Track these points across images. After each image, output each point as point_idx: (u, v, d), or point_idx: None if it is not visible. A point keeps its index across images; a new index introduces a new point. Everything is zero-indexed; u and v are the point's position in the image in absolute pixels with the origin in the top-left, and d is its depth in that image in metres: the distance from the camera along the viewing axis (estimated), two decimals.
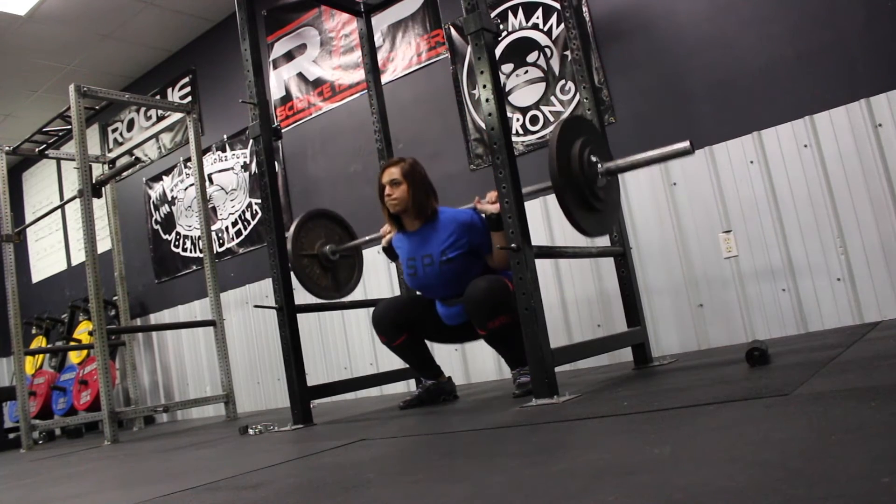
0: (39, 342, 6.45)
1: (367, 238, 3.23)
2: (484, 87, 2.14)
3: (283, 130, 4.48)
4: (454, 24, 3.93)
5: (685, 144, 2.15)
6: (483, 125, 3.56)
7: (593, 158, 2.24)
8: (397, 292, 3.69)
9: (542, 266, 3.39)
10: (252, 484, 1.43)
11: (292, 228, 3.13)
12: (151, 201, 5.86)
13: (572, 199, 2.16)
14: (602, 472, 0.99)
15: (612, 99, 3.37)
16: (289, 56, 4.81)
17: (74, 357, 5.90)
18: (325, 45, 4.61)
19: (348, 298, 4.30)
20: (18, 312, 4.79)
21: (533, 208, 3.52)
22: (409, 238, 2.67)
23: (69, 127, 4.76)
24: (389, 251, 2.83)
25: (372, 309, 4.14)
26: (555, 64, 3.58)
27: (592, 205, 2.25)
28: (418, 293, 2.81)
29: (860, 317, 2.75)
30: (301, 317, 3.09)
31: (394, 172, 2.60)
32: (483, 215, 2.50)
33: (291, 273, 2.94)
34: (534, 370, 2.03)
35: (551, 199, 3.53)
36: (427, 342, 2.83)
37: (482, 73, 2.14)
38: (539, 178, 3.52)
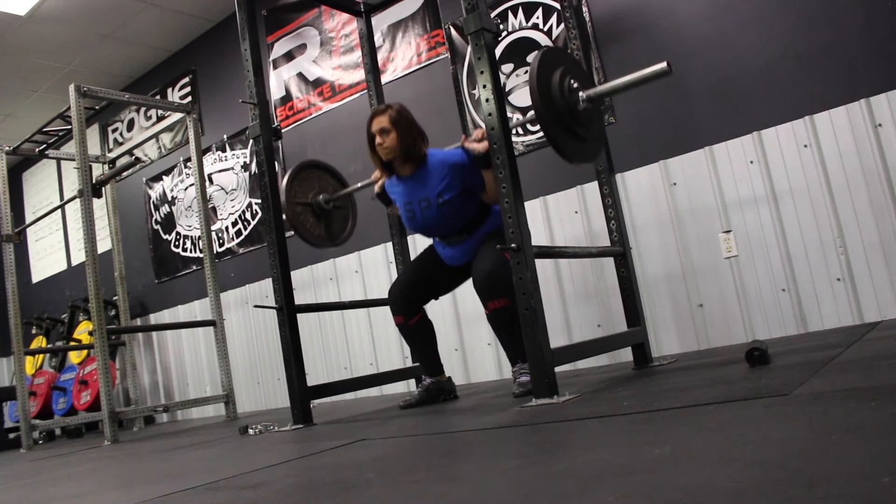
0: (39, 342, 6.45)
1: (358, 185, 3.22)
2: (484, 87, 2.14)
3: (283, 130, 4.49)
4: (454, 24, 3.93)
5: (662, 65, 2.15)
6: (483, 125, 3.55)
7: (574, 84, 2.25)
8: None
9: (542, 266, 3.39)
10: (252, 484, 1.43)
11: (286, 177, 3.17)
12: (151, 201, 5.86)
13: (554, 125, 2.18)
14: (602, 472, 0.99)
15: (612, 99, 3.37)
16: (289, 56, 4.81)
17: (74, 357, 5.90)
18: (325, 45, 4.61)
19: (348, 298, 4.32)
20: (18, 312, 4.79)
21: (533, 208, 3.52)
22: (403, 183, 2.71)
23: (69, 127, 4.76)
24: (383, 196, 2.88)
25: (372, 309, 4.17)
26: None
27: (575, 131, 2.27)
28: (423, 252, 2.85)
29: (860, 317, 2.75)
30: (301, 317, 3.09)
31: (382, 121, 2.64)
32: (471, 154, 2.56)
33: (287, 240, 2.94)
34: (534, 370, 2.03)
35: (551, 198, 3.54)
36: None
37: (482, 73, 2.14)
38: (539, 178, 3.54)
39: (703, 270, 3.11)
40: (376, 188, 2.87)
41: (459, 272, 2.82)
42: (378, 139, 2.65)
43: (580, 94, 2.24)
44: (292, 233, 4.60)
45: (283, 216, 2.98)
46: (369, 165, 4.26)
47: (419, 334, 2.79)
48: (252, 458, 1.96)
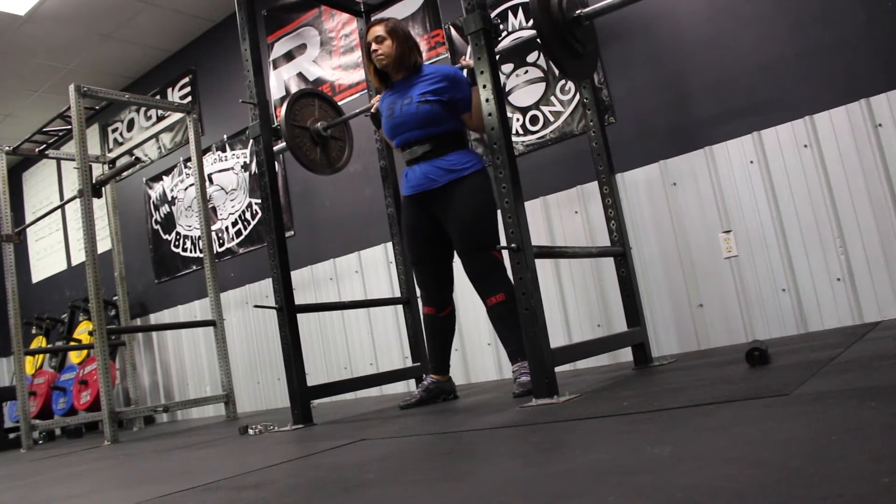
0: (39, 342, 6.45)
1: (356, 111, 3.31)
2: (484, 87, 2.14)
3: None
4: (454, 24, 3.93)
5: None
6: None
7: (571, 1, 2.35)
8: (397, 293, 3.69)
9: (542, 266, 3.39)
10: (252, 484, 1.43)
11: (287, 100, 3.23)
12: (151, 201, 5.86)
13: (555, 42, 2.26)
14: (602, 472, 0.99)
15: (612, 99, 3.37)
16: (289, 56, 4.81)
17: (74, 357, 5.90)
18: (325, 45, 4.61)
19: (348, 298, 4.32)
20: (18, 312, 4.79)
21: (533, 208, 3.52)
22: (394, 89, 2.77)
23: (69, 127, 4.76)
24: (376, 117, 2.93)
25: (372, 309, 4.17)
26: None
27: (573, 48, 2.35)
28: (409, 231, 2.79)
29: (860, 317, 2.75)
30: (301, 317, 3.09)
31: (378, 30, 2.71)
32: (466, 71, 2.65)
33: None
34: (534, 370, 2.03)
35: (551, 198, 3.54)
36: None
37: (482, 73, 2.15)
38: (539, 178, 3.53)
39: (703, 270, 3.11)
40: (372, 109, 2.95)
41: (435, 222, 2.70)
42: (374, 46, 2.71)
43: (577, 11, 2.34)
44: (292, 233, 4.60)
45: (284, 141, 3.12)
46: (370, 165, 4.26)
47: (444, 329, 2.80)
48: (252, 458, 1.97)
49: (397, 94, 2.74)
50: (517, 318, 2.12)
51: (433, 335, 2.82)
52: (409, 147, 2.71)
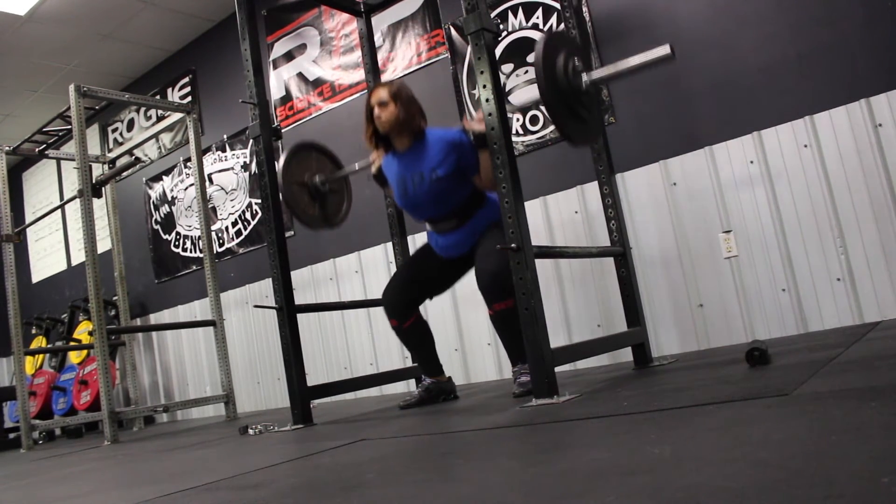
0: (39, 342, 6.45)
1: (355, 166, 3.19)
2: (484, 87, 2.14)
3: (283, 130, 4.48)
4: (454, 24, 3.93)
5: (665, 49, 2.15)
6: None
7: (578, 66, 2.27)
8: None
9: (542, 266, 3.39)
10: (252, 484, 1.43)
11: (283, 156, 3.13)
12: (151, 201, 5.86)
13: (560, 107, 2.20)
14: (602, 472, 0.99)
15: (612, 99, 3.37)
16: (289, 56, 4.81)
17: (74, 357, 5.90)
18: (325, 45, 4.61)
19: (348, 298, 4.32)
20: (18, 312, 4.79)
21: (533, 208, 3.52)
22: (399, 158, 2.70)
23: (69, 127, 4.76)
24: (379, 177, 2.85)
25: (372, 309, 4.17)
26: None
27: (578, 113, 2.29)
28: (416, 252, 2.83)
29: (860, 317, 2.75)
30: (301, 317, 3.09)
31: (382, 94, 2.63)
32: (471, 134, 2.54)
33: (285, 208, 2.93)
34: (534, 370, 2.03)
35: (551, 198, 3.54)
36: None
37: (482, 73, 2.14)
38: (539, 178, 3.54)
39: (703, 270, 3.11)
40: (373, 168, 2.85)
41: (454, 266, 2.77)
42: (377, 111, 2.64)
43: (583, 76, 2.26)
44: (292, 233, 4.60)
45: (280, 196, 2.97)
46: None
47: (415, 337, 2.77)
48: (252, 458, 1.97)
49: (404, 165, 2.66)
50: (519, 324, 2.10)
51: (407, 345, 2.83)
52: (431, 223, 2.70)
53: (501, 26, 3.74)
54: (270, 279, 2.84)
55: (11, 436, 5.53)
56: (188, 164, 5.42)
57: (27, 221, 6.39)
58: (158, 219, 5.79)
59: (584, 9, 3.45)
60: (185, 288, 5.55)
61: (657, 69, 3.24)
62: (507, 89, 3.70)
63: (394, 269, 3.74)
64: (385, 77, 4.08)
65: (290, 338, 2.75)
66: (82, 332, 5.92)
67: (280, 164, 3.06)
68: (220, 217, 5.25)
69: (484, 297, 2.51)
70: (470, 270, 2.78)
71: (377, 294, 4.14)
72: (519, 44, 3.70)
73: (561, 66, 2.22)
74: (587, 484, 0.93)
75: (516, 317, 2.34)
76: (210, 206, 5.20)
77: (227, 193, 5.21)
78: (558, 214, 3.53)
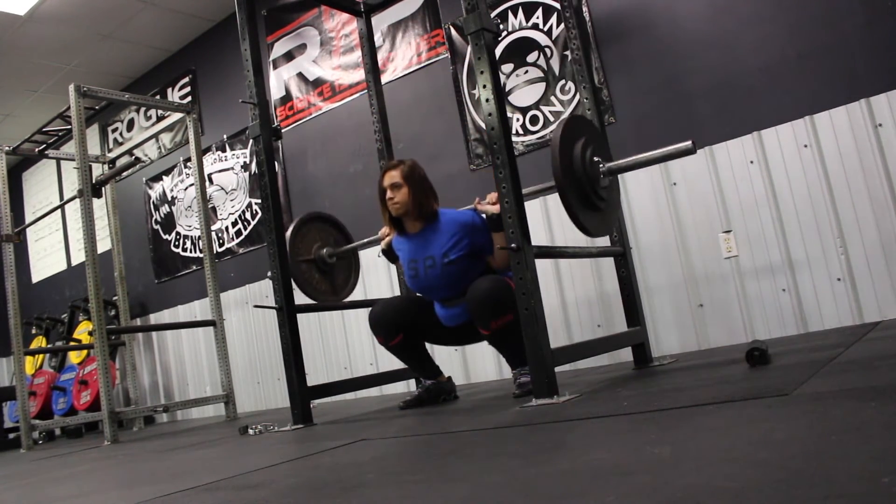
0: (39, 342, 6.45)
1: (364, 241, 3.22)
2: (484, 87, 2.14)
3: (283, 130, 4.48)
4: (454, 24, 3.93)
5: (687, 144, 2.16)
6: (483, 125, 3.55)
7: (595, 158, 2.24)
8: (397, 292, 3.68)
9: (542, 266, 3.39)
10: (252, 484, 1.43)
11: (287, 234, 3.08)
12: (151, 201, 5.86)
13: (575, 199, 2.17)
14: (602, 472, 0.99)
15: (612, 99, 3.37)
16: (289, 56, 4.81)
17: (74, 357, 5.90)
18: (325, 45, 4.61)
19: (348, 298, 4.31)
20: (18, 312, 4.79)
21: (533, 208, 3.51)
22: (410, 240, 2.67)
23: (69, 127, 4.76)
24: (389, 253, 2.84)
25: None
26: (555, 64, 3.58)
27: (595, 204, 2.26)
28: (418, 294, 2.81)
29: (860, 317, 2.75)
30: (301, 317, 3.09)
31: (395, 176, 2.60)
32: (483, 216, 2.51)
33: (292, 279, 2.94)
34: (534, 370, 2.03)
35: (551, 198, 3.54)
36: (426, 344, 2.83)
37: (482, 73, 2.14)
38: (539, 178, 3.52)
39: (703, 270, 3.11)
40: (383, 245, 2.83)
41: (452, 333, 2.73)
42: (389, 194, 2.61)
43: (601, 166, 2.23)
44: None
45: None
46: (370, 165, 4.26)
47: (403, 352, 2.76)
48: (252, 458, 1.97)
49: (415, 249, 2.64)
50: (521, 336, 2.07)
51: (399, 358, 2.81)
52: (443, 302, 2.67)
53: (501, 26, 3.74)
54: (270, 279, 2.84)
55: (11, 436, 5.53)
56: (188, 164, 5.42)
57: (27, 221, 6.39)
58: (158, 219, 5.79)
59: (584, 9, 3.45)
60: (185, 288, 5.55)
61: (658, 67, 3.25)
62: (507, 89, 3.70)
63: (394, 269, 3.73)
64: (385, 77, 4.08)
65: (290, 338, 2.75)
66: (82, 332, 5.92)
67: (286, 241, 2.99)
68: (220, 217, 5.25)
69: (477, 320, 2.44)
70: (468, 342, 2.78)
71: (377, 294, 4.14)
72: (519, 44, 3.70)
73: (578, 154, 2.18)
74: (587, 484, 0.93)
75: (514, 330, 2.25)
76: (210, 206, 5.20)
77: (227, 193, 5.21)
78: (558, 214, 3.52)
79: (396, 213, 2.63)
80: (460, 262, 2.55)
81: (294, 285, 3.01)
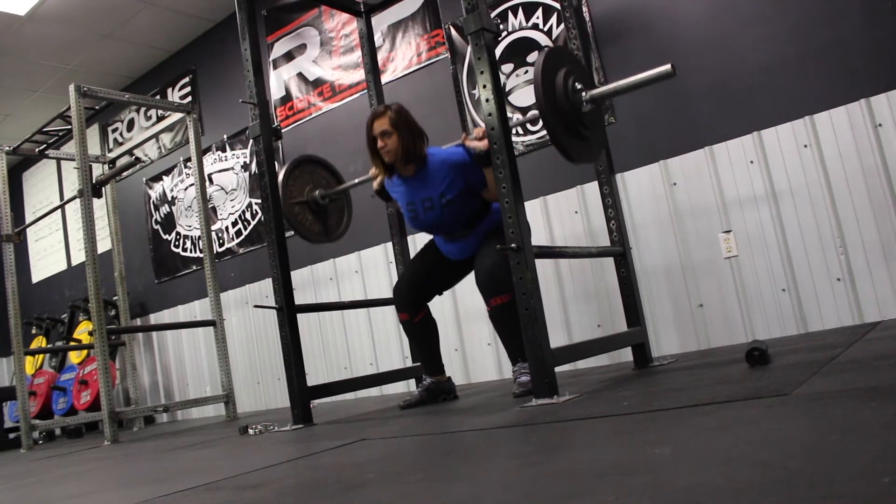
0: (39, 342, 6.45)
1: (356, 181, 3.22)
2: (484, 87, 2.14)
3: (283, 130, 4.49)
4: (454, 24, 3.93)
5: (666, 67, 2.16)
6: (483, 124, 3.55)
7: (578, 86, 2.25)
8: None
9: (542, 266, 3.39)
10: (252, 484, 1.43)
11: (280, 178, 3.11)
12: (151, 201, 5.86)
13: (560, 127, 2.19)
14: (602, 472, 0.99)
15: (613, 99, 3.37)
16: (289, 56, 4.81)
17: (74, 357, 5.90)
18: (325, 45, 4.61)
19: (348, 298, 4.32)
20: (18, 312, 4.79)
21: (533, 208, 3.52)
22: (405, 182, 2.71)
23: (69, 127, 4.76)
24: (382, 193, 2.88)
25: (372, 309, 4.17)
26: None
27: (579, 132, 2.28)
28: (424, 249, 2.87)
29: (860, 317, 2.75)
30: (301, 317, 3.09)
31: (383, 123, 2.64)
32: (472, 152, 2.56)
33: (287, 231, 2.94)
34: (534, 370, 2.03)
35: (551, 198, 3.54)
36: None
37: (482, 73, 2.14)
38: (539, 178, 3.53)
39: (703, 270, 3.11)
40: (375, 185, 2.87)
41: (461, 266, 2.84)
42: (380, 142, 2.64)
43: (583, 94, 2.24)
44: (292, 233, 4.60)
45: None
46: (369, 165, 4.25)
47: (423, 332, 2.81)
48: (252, 458, 1.97)
49: (412, 191, 2.68)
50: (518, 318, 2.11)
51: (414, 340, 2.86)
52: (445, 235, 2.75)
53: (501, 26, 3.74)
54: (270, 279, 2.84)
55: (11, 436, 5.53)
56: (188, 164, 5.42)
57: (27, 221, 6.39)
58: (158, 219, 5.79)
59: (584, 9, 3.45)
60: (185, 288, 5.55)
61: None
62: (506, 89, 3.70)
63: (394, 269, 3.74)
64: (385, 77, 4.08)
65: (290, 338, 2.75)
66: (82, 332, 5.92)
67: (278, 184, 3.03)
68: (220, 217, 5.25)
69: (482, 293, 2.54)
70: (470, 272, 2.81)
71: (377, 294, 4.15)
72: (519, 44, 3.70)
73: (560, 83, 2.20)
74: (587, 484, 0.93)
75: (515, 312, 2.33)
76: (210, 206, 5.20)
77: (227, 193, 5.21)
78: (558, 214, 3.53)
79: (389, 159, 2.67)
80: (457, 200, 2.61)
81: (287, 225, 3.02)
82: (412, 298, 2.78)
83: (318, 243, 3.33)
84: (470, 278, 2.83)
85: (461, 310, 3.86)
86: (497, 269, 2.45)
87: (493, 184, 2.56)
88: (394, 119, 2.62)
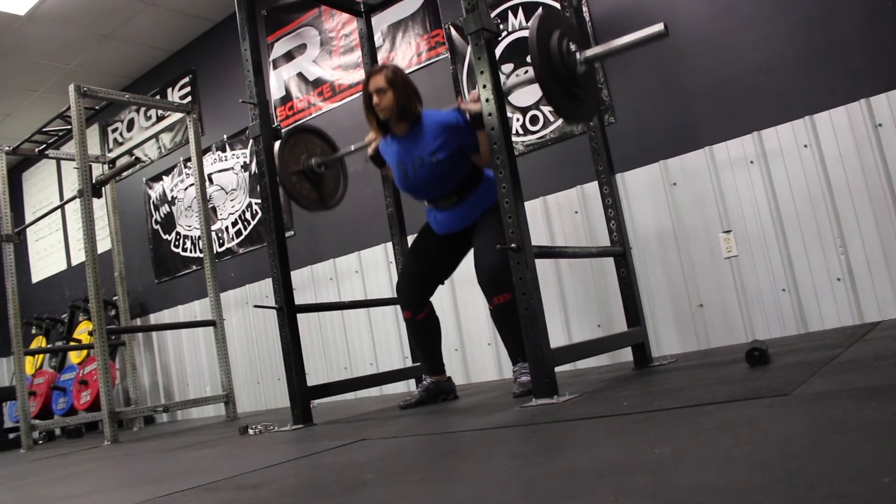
0: (39, 342, 6.45)
1: (351, 147, 3.21)
2: (484, 87, 2.14)
3: (282, 130, 4.49)
4: (454, 24, 3.93)
5: (659, 27, 2.17)
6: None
7: (572, 47, 2.26)
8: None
9: (542, 266, 3.39)
10: (252, 484, 1.43)
11: (276, 147, 3.10)
12: (151, 201, 5.86)
13: (555, 88, 2.20)
14: (602, 472, 0.99)
15: (612, 99, 3.37)
16: (289, 56, 4.81)
17: (74, 357, 5.90)
18: (325, 45, 4.61)
19: (348, 298, 4.32)
20: (18, 312, 4.79)
21: (533, 208, 3.52)
22: (397, 142, 2.72)
23: (69, 127, 4.76)
24: (376, 158, 2.89)
25: (372, 309, 4.17)
26: None
27: (574, 92, 2.29)
28: (417, 236, 2.86)
29: (860, 317, 2.75)
30: (301, 317, 3.09)
31: (379, 81, 2.65)
32: (467, 115, 2.57)
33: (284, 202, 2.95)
34: (534, 370, 2.03)
35: (551, 198, 3.54)
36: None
37: (482, 73, 2.14)
38: (539, 178, 3.53)
39: (703, 270, 3.11)
40: (370, 150, 2.89)
41: (453, 246, 2.81)
42: (375, 99, 2.66)
43: (578, 55, 2.26)
44: (292, 233, 4.60)
45: (279, 186, 2.99)
46: (369, 165, 4.25)
47: (425, 330, 2.81)
48: (252, 458, 1.97)
49: (403, 150, 2.69)
50: (518, 318, 2.11)
51: (416, 338, 2.85)
52: (432, 202, 2.74)
53: (501, 26, 3.74)
54: (270, 279, 2.84)
55: (11, 436, 5.53)
56: (188, 164, 5.42)
57: (27, 221, 6.39)
58: (158, 219, 5.79)
59: (584, 9, 3.45)
60: (185, 288, 5.55)
61: (658, 69, 3.25)
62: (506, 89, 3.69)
63: (394, 269, 3.74)
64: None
65: (290, 338, 2.75)
66: (82, 332, 5.92)
67: (275, 154, 3.06)
68: (220, 217, 5.25)
69: (483, 291, 2.54)
70: (469, 250, 2.79)
71: (377, 294, 4.15)
72: (519, 44, 3.70)
73: (555, 44, 2.23)
74: (587, 484, 0.93)
75: (516, 311, 2.33)
76: (210, 206, 5.20)
77: (227, 193, 5.21)
78: (558, 214, 3.53)
79: (383, 116, 2.68)
80: (447, 161, 2.61)
81: (284, 194, 3.04)
82: (413, 295, 2.78)
83: (315, 211, 3.34)
84: (466, 281, 2.84)
85: (461, 310, 3.86)
86: (499, 267, 2.45)
87: (485, 147, 2.55)
88: (390, 77, 2.64)
